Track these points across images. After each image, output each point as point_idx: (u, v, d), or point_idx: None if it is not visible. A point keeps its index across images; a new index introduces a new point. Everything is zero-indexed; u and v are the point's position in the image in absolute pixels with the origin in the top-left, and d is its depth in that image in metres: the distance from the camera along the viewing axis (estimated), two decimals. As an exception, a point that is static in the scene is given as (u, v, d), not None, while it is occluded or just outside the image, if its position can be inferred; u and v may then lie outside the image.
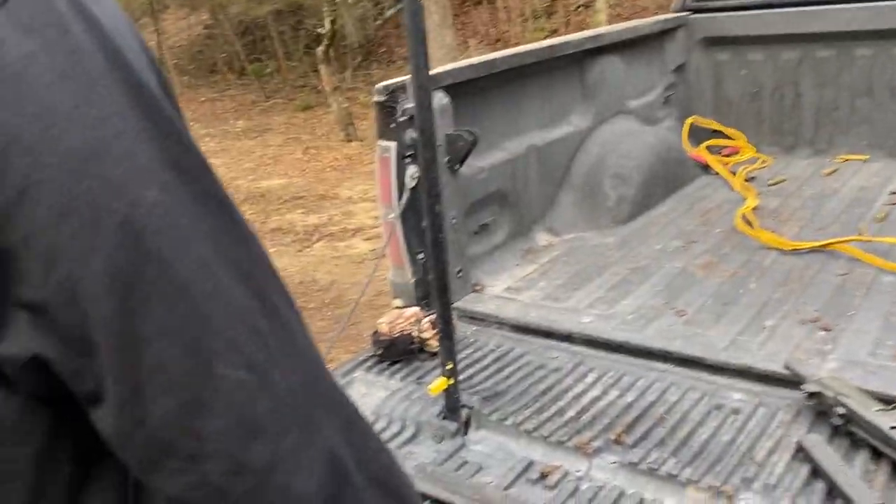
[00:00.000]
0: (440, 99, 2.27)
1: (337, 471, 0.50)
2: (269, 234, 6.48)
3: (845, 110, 3.29)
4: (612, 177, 2.91)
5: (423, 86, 1.49)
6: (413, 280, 2.32)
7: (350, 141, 8.84)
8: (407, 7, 1.44)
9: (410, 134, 2.27)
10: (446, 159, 2.30)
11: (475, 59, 2.47)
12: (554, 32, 12.25)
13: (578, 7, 12.62)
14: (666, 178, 3.12)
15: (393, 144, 2.25)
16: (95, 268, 0.42)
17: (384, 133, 2.28)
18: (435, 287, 1.64)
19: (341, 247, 6.01)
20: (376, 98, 2.25)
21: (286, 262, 5.69)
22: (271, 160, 9.10)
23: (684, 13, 3.48)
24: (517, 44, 12.49)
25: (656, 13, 11.98)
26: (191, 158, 0.47)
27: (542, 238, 2.78)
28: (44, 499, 0.48)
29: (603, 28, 3.20)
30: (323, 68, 8.99)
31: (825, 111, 3.34)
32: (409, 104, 2.26)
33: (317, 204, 7.24)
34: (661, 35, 3.39)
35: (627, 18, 11.14)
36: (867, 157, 3.25)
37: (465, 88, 2.40)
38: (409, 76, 2.35)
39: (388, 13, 13.25)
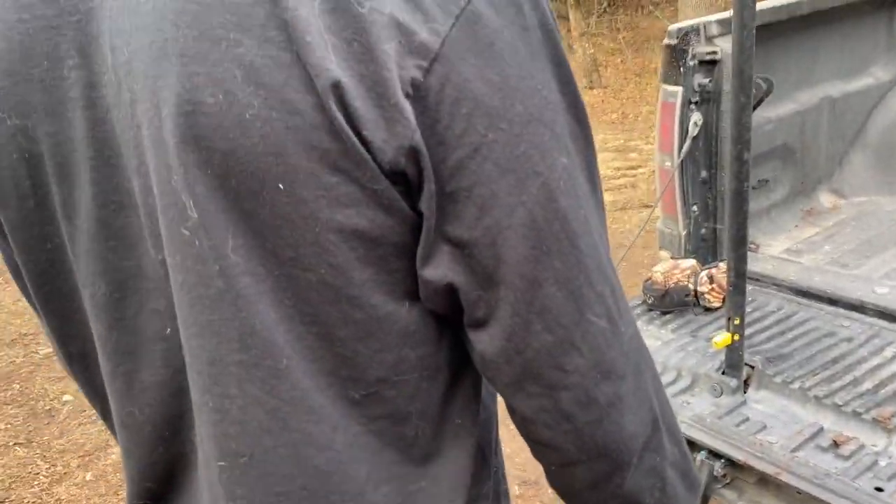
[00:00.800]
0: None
1: (653, 415, 0.58)
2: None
3: None
4: (917, 136, 2.59)
5: (746, 26, 1.42)
6: (684, 232, 2.26)
7: (593, 88, 8.68)
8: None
9: (699, 79, 2.18)
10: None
11: (776, 1, 2.30)
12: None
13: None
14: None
15: (679, 90, 2.18)
16: (518, 219, 0.48)
17: (670, 77, 2.21)
18: (731, 238, 1.59)
19: (580, 195, 5.98)
20: (667, 41, 2.18)
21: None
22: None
23: None
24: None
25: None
26: (583, 129, 0.52)
27: (826, 199, 2.57)
28: (426, 394, 0.56)
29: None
30: (572, 13, 8.86)
31: None
32: (700, 48, 2.17)
33: (556, 151, 7.24)
34: None
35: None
36: None
37: (761, 32, 2.24)
38: (698, 19, 2.26)
39: (641, -44, 12.67)
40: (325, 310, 0.50)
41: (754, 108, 2.23)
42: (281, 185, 0.46)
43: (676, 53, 2.17)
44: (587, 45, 8.61)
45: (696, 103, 2.19)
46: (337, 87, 0.44)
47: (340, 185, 0.46)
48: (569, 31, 10.13)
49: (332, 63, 0.43)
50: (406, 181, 0.47)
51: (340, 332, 0.51)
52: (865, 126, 2.64)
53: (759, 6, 2.37)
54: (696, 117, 2.19)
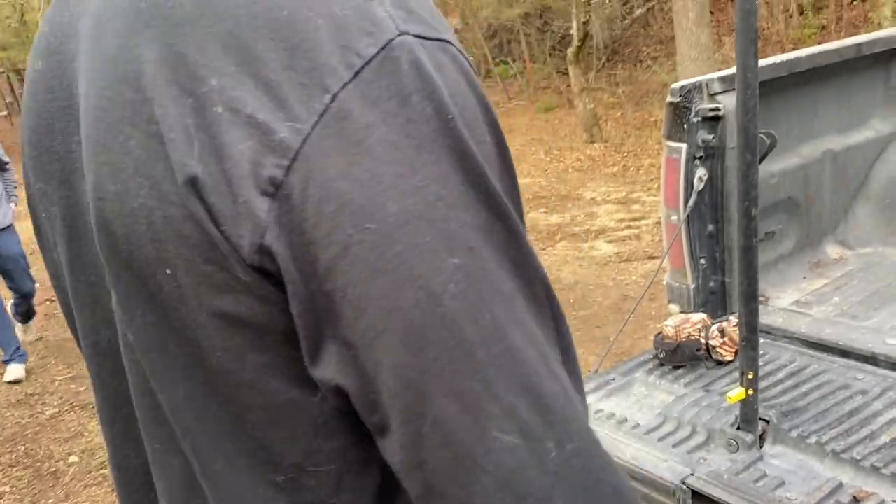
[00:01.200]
0: (737, 100, 2.20)
1: None
2: (514, 230, 6.65)
3: None
4: (919, 187, 2.63)
5: (750, 85, 1.46)
6: (693, 286, 2.28)
7: (593, 142, 8.80)
8: (739, 6, 1.42)
9: (703, 135, 2.22)
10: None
11: (775, 59, 2.35)
12: (823, 29, 11.26)
13: (853, 1, 11.47)
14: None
15: (683, 146, 2.22)
16: (395, 323, 0.45)
17: (674, 134, 2.25)
18: (742, 294, 1.60)
19: (584, 248, 6.02)
20: (670, 99, 2.23)
21: (532, 258, 5.80)
22: (514, 160, 9.32)
23: None
24: (779, 42, 11.64)
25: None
26: (503, 222, 0.47)
27: (833, 251, 2.58)
28: (352, 489, 0.53)
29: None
30: (572, 69, 9.04)
31: None
32: (703, 105, 2.22)
33: (559, 204, 7.31)
34: None
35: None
36: None
37: (763, 88, 2.30)
38: (700, 77, 2.31)
39: (638, 12, 12.99)
40: (233, 391, 0.51)
41: (759, 163, 2.28)
42: (168, 271, 0.48)
43: (679, 111, 2.22)
44: (587, 99, 8.76)
45: (700, 158, 2.22)
46: (194, 183, 0.45)
47: (216, 273, 0.46)
48: (569, 86, 10.33)
49: (191, 159, 0.45)
50: (273, 277, 0.46)
51: (250, 415, 0.51)
52: (868, 178, 2.68)
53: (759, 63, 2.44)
54: (700, 172, 2.23)
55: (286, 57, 0.44)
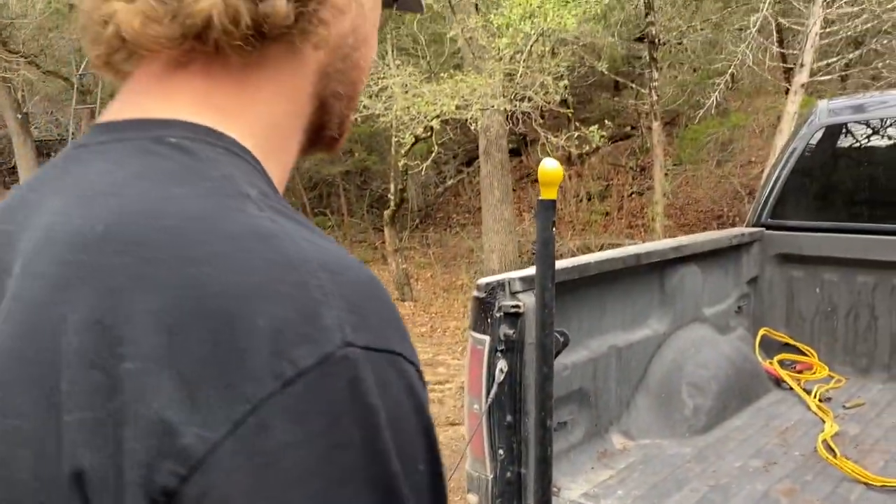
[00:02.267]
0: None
1: None
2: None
3: (923, 340, 3.30)
4: (689, 385, 2.92)
5: (547, 305, 1.58)
6: (491, 476, 2.31)
7: (404, 300, 9.02)
8: (539, 235, 1.56)
9: (504, 330, 2.35)
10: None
11: (568, 262, 2.59)
12: (607, 215, 12.68)
13: (632, 193, 13.11)
14: (741, 390, 3.11)
15: (487, 338, 2.33)
16: None
17: (479, 326, 2.36)
18: (536, 483, 1.64)
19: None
20: (476, 293, 2.35)
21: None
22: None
23: (759, 228, 3.61)
24: (570, 221, 12.90)
25: (711, 208, 12.31)
26: None
27: (617, 441, 2.76)
28: None
29: (685, 238, 3.34)
30: (387, 230, 9.37)
31: (902, 338, 3.36)
32: (506, 301, 2.36)
33: (367, 362, 7.28)
34: (738, 248, 3.50)
35: (683, 215, 11.49)
36: (947, 389, 3.21)
37: (558, 289, 2.50)
38: (503, 276, 2.47)
39: (450, 182, 13.91)
40: None
41: (553, 359, 2.44)
42: None
43: (484, 305, 2.34)
44: (400, 259, 9.06)
45: (502, 351, 2.33)
46: (80, 477, 0.41)
47: None
48: (384, 242, 10.65)
49: (84, 449, 0.41)
50: None
51: None
52: (647, 372, 2.94)
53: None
54: (501, 364, 2.33)
55: (213, 354, 0.40)
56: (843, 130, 3.58)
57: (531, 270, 2.48)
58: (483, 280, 2.39)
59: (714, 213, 12.16)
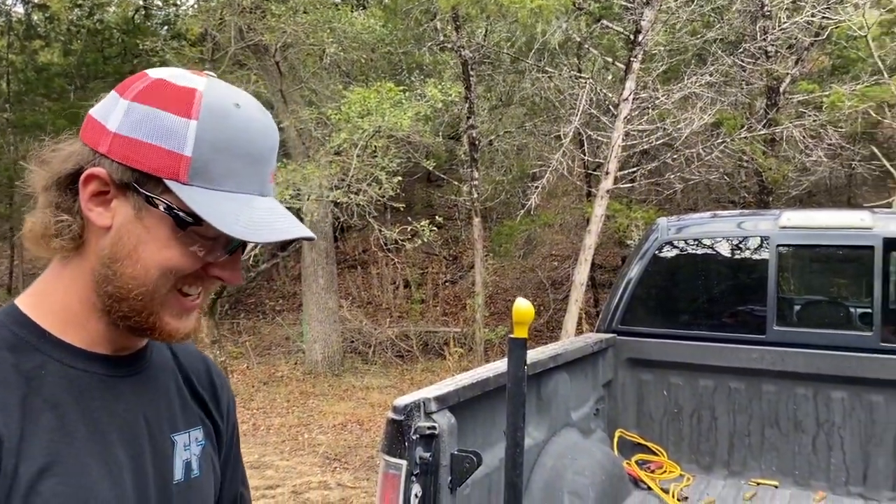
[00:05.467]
0: (448, 418, 2.34)
1: None
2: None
3: (756, 437, 3.67)
4: (571, 493, 2.99)
5: (518, 445, 1.57)
6: None
7: (220, 396, 8.45)
8: (511, 374, 1.56)
9: (420, 453, 2.28)
10: (449, 479, 2.31)
11: (470, 378, 2.59)
12: (423, 303, 12.93)
13: (446, 281, 13.53)
14: (611, 495, 3.25)
15: (404, 462, 2.24)
16: None
17: (394, 450, 2.27)
18: None
19: None
20: (392, 416, 2.27)
21: None
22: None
23: (612, 335, 3.88)
24: (387, 308, 12.99)
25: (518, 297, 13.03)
26: None
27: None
28: None
29: (559, 346, 3.49)
30: (204, 320, 8.81)
31: (739, 436, 3.71)
32: (421, 423, 2.30)
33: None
34: (596, 353, 3.72)
35: (493, 304, 12.01)
36: (777, 482, 3.58)
37: (461, 406, 2.49)
38: (418, 396, 2.41)
39: (263, 266, 13.48)
40: None
41: (464, 480, 2.40)
42: None
43: (401, 428, 2.26)
44: (218, 352, 8.53)
45: (416, 475, 2.26)
46: None
47: None
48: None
49: None
50: None
51: None
52: (530, 482, 2.98)
53: (457, 385, 2.64)
54: (416, 489, 2.25)
55: None
56: (682, 246, 3.99)
57: (445, 388, 2.45)
58: (399, 401, 2.32)
59: (520, 302, 12.82)
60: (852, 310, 3.58)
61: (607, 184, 8.42)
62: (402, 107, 7.47)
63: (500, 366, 2.91)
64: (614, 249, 12.06)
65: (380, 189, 7.60)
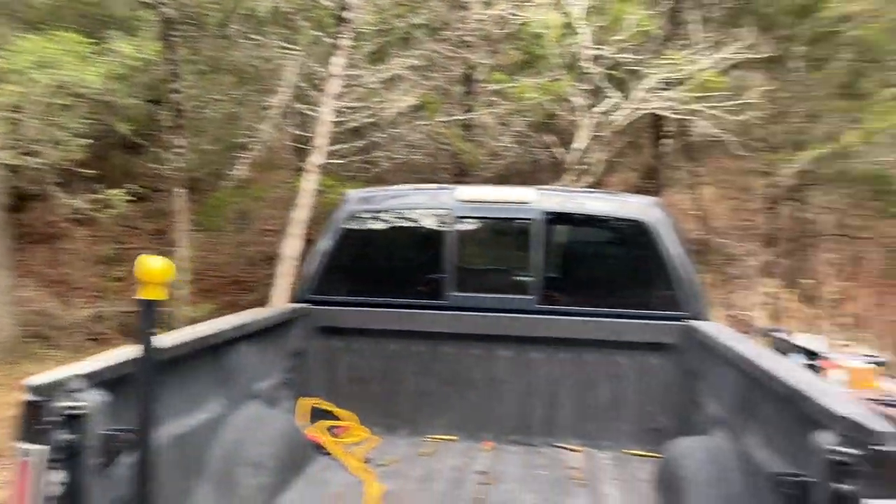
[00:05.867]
0: (100, 396, 2.14)
1: None
2: None
3: (437, 396, 3.92)
4: (250, 464, 2.93)
5: (148, 416, 1.46)
6: None
7: None
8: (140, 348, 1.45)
9: (63, 435, 2.05)
10: (100, 460, 2.12)
11: (122, 355, 2.37)
12: (121, 280, 11.89)
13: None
14: (293, 462, 3.25)
15: (41, 448, 2.01)
16: None
17: (29, 435, 2.02)
18: None
19: None
20: (29, 397, 2.02)
21: None
22: None
23: (306, 304, 3.87)
24: (80, 288, 11.74)
25: (230, 273, 12.52)
26: None
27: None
28: None
29: (245, 316, 3.38)
30: None
31: (421, 396, 3.93)
32: (62, 402, 2.07)
33: None
34: (287, 323, 3.69)
35: (203, 280, 11.45)
36: (456, 437, 3.85)
37: (115, 384, 2.29)
38: (59, 375, 2.15)
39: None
40: None
41: (111, 463, 2.20)
42: None
43: (37, 409, 2.02)
44: None
45: (59, 461, 2.04)
46: None
47: None
48: None
49: None
50: None
51: None
52: (208, 456, 2.86)
53: (112, 360, 2.38)
54: (59, 477, 2.03)
55: None
56: (369, 217, 4.10)
57: (98, 364, 2.23)
58: (32, 380, 2.07)
59: (232, 279, 12.43)
60: (518, 277, 3.96)
61: (317, 159, 8.41)
62: (91, 62, 6.74)
63: (176, 338, 2.74)
64: (328, 225, 12.12)
65: (63, 152, 6.80)
